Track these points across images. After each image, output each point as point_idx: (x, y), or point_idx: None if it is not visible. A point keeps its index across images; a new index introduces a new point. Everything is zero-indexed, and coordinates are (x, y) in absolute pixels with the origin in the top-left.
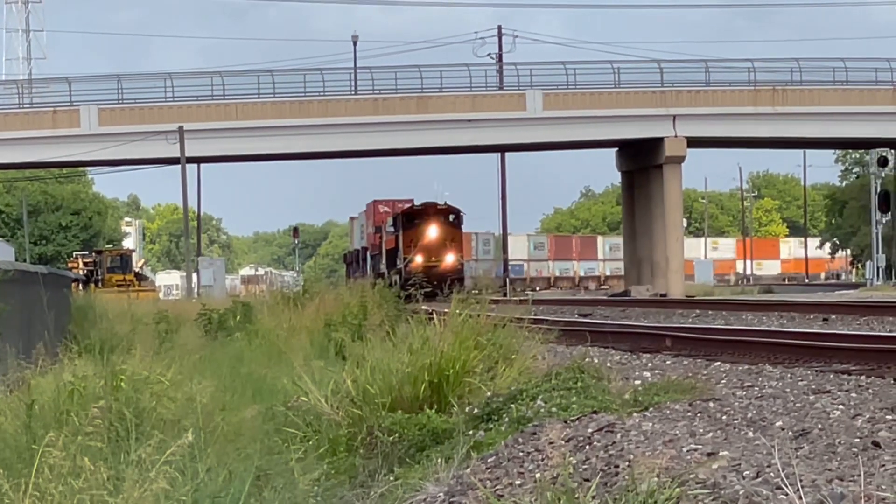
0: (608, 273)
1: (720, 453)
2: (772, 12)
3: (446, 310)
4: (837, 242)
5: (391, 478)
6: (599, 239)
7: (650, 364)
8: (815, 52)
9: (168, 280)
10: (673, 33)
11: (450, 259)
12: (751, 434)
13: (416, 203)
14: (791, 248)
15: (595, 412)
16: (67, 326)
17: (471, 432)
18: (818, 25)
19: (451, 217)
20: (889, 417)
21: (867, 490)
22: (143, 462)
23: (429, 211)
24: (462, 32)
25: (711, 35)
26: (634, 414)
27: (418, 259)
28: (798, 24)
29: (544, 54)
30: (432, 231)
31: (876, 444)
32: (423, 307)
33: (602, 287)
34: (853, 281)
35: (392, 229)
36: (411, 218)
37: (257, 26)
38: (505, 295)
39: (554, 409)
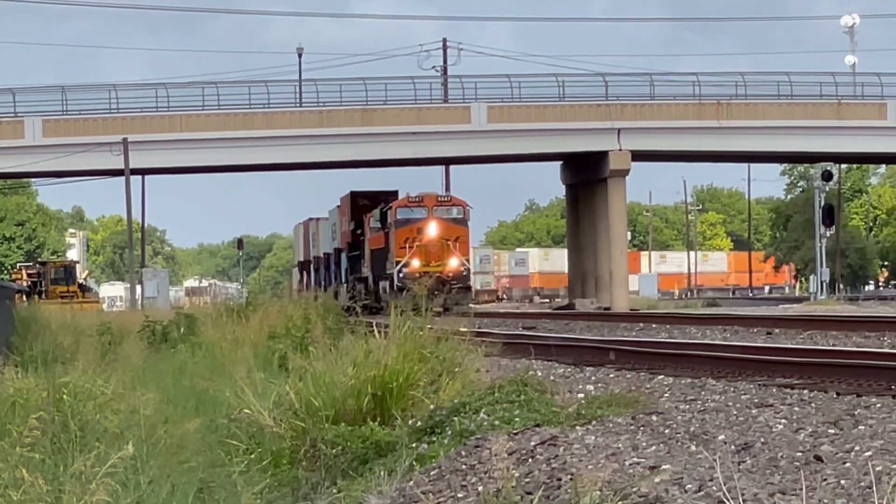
0: (478, 286)
1: (663, 467)
2: (719, 25)
3: (388, 323)
4: (781, 256)
5: (334, 490)
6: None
7: (594, 377)
8: (761, 66)
9: (112, 292)
10: (621, 46)
11: (453, 263)
12: (693, 448)
13: (412, 194)
14: (652, 262)
15: (538, 425)
16: (10, 338)
17: (414, 445)
18: (765, 38)
19: (456, 212)
20: (831, 431)
21: None
22: (85, 474)
23: (428, 203)
24: (409, 45)
25: (661, 48)
26: (577, 427)
27: (415, 263)
28: (746, 36)
29: (490, 67)
30: (432, 228)
31: (818, 458)
32: (366, 320)
33: (544, 300)
34: (794, 294)
35: (379, 225)
36: (406, 212)
37: (208, 37)
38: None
39: (497, 422)
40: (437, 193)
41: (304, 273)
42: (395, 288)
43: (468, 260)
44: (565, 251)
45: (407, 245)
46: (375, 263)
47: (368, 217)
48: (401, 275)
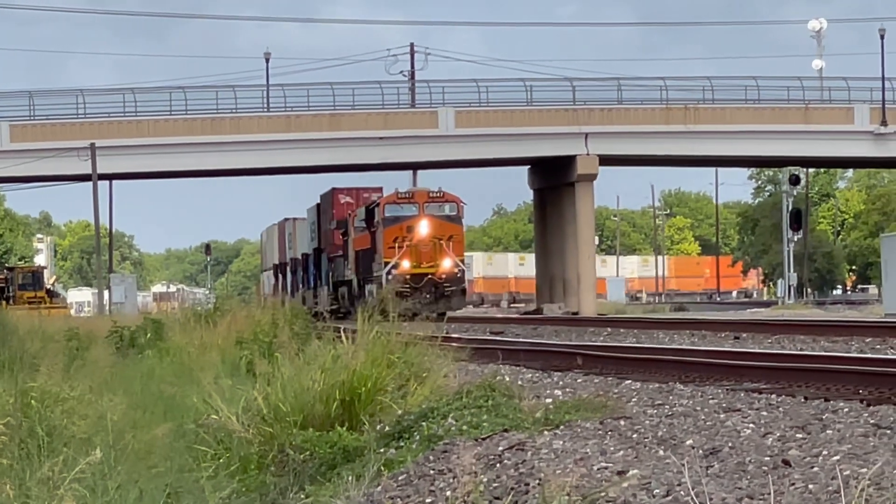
0: None
1: (630, 472)
2: (687, 30)
3: (355, 328)
4: (749, 260)
5: (302, 496)
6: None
7: (561, 382)
8: (729, 70)
9: (80, 297)
10: (590, 51)
11: (447, 264)
12: (661, 452)
13: (401, 190)
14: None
15: (506, 430)
16: None
17: (382, 450)
18: (733, 43)
19: (448, 208)
20: (799, 436)
21: None
22: (52, 479)
23: (418, 200)
24: (377, 50)
25: (629, 53)
26: (545, 432)
27: (405, 264)
28: (714, 40)
29: (459, 71)
30: (424, 227)
31: (786, 463)
32: (334, 325)
33: (513, 305)
34: (763, 299)
35: (364, 224)
36: (395, 209)
37: (175, 43)
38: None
39: (465, 428)
40: (428, 189)
41: (281, 276)
42: (385, 291)
43: (462, 261)
44: (509, 256)
45: (396, 245)
46: (361, 265)
47: (352, 216)
48: (390, 277)
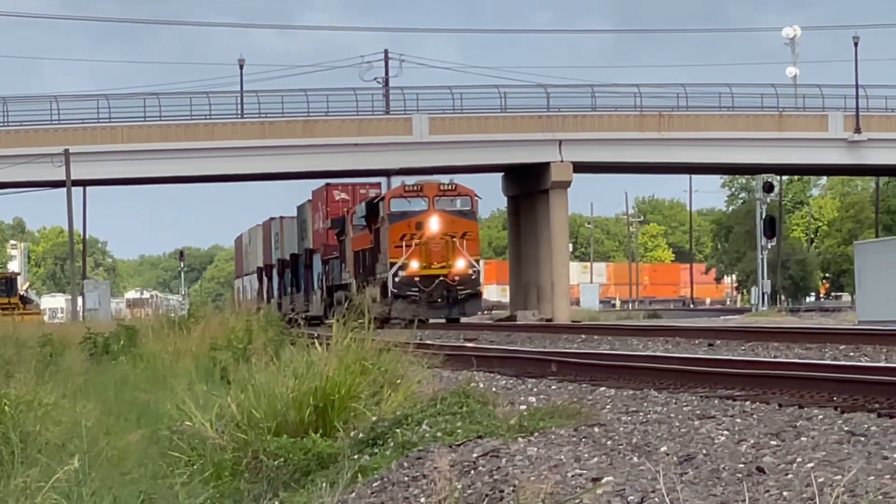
0: None
1: (605, 479)
2: (662, 37)
3: (329, 334)
4: (723, 267)
5: (276, 502)
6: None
7: (535, 389)
8: (703, 77)
9: (53, 303)
10: (564, 58)
11: (460, 264)
12: (636, 459)
13: (408, 183)
14: None
15: (480, 437)
16: None
17: (356, 457)
18: (708, 50)
19: (461, 203)
20: (773, 443)
21: None
22: (28, 488)
23: (428, 193)
24: (351, 56)
25: (603, 60)
26: (520, 439)
27: (414, 264)
28: (688, 48)
29: (433, 78)
30: (434, 223)
31: (760, 470)
32: (307, 331)
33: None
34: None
35: (365, 222)
36: (403, 203)
37: (150, 49)
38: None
39: (439, 434)
40: (438, 181)
41: (266, 279)
42: (391, 295)
43: (477, 261)
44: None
45: (404, 243)
46: (361, 267)
47: (350, 213)
48: (397, 279)
